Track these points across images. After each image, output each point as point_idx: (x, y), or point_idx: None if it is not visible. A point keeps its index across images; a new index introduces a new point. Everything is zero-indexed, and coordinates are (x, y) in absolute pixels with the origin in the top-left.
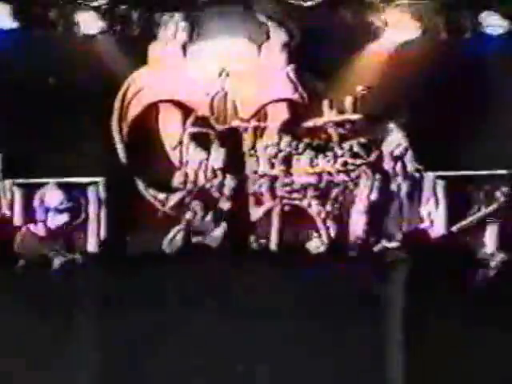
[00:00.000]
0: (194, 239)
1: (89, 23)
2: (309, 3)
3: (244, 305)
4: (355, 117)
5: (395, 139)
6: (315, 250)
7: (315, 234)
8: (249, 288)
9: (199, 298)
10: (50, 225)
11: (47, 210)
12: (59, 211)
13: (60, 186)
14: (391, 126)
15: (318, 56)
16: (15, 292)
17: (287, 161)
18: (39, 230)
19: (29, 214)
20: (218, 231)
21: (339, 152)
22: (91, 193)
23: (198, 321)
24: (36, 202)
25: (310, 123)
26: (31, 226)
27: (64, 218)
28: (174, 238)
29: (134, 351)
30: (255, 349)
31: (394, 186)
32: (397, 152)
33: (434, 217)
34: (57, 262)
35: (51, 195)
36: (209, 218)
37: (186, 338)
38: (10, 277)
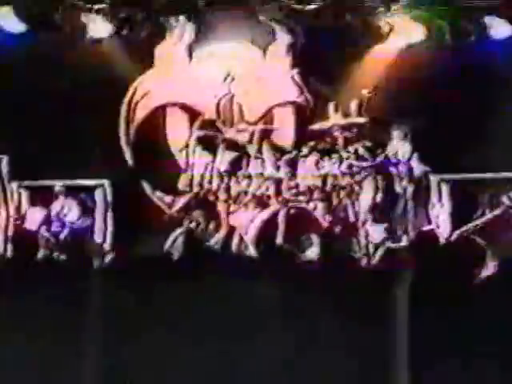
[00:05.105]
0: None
1: (95, 27)
2: (314, 7)
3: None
4: (361, 120)
5: (400, 142)
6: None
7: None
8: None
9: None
10: (61, 237)
11: (63, 225)
12: (75, 228)
13: (67, 189)
14: (396, 129)
15: (323, 59)
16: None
17: (293, 163)
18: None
19: (41, 220)
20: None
21: (345, 155)
22: (98, 195)
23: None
24: (53, 213)
25: (315, 126)
26: (42, 231)
27: (77, 232)
28: (175, 241)
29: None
30: (259, 348)
31: (399, 189)
32: (402, 155)
33: (440, 220)
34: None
35: (69, 210)
36: (211, 227)
37: (190, 340)
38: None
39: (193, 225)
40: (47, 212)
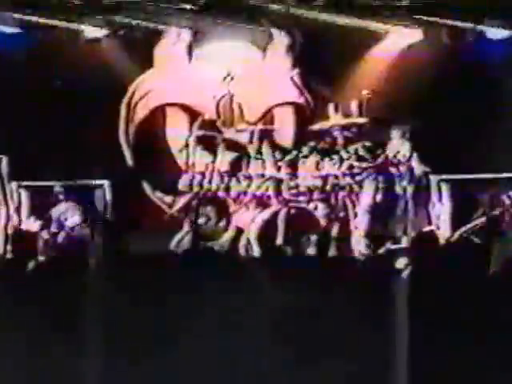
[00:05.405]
0: (202, 243)
1: (95, 27)
2: (313, 6)
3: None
4: (361, 120)
5: (400, 142)
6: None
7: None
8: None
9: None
10: (58, 239)
11: (62, 226)
12: (75, 230)
13: (67, 189)
14: (396, 129)
15: (322, 60)
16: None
17: (293, 164)
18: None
19: (41, 219)
20: (226, 236)
21: (345, 155)
22: (98, 195)
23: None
24: (54, 214)
25: (316, 127)
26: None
27: (77, 234)
28: (181, 241)
29: (137, 352)
30: (260, 348)
31: (399, 189)
32: (402, 155)
33: (440, 220)
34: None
35: (70, 214)
36: (222, 223)
37: (189, 341)
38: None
39: (202, 220)
40: (47, 214)
